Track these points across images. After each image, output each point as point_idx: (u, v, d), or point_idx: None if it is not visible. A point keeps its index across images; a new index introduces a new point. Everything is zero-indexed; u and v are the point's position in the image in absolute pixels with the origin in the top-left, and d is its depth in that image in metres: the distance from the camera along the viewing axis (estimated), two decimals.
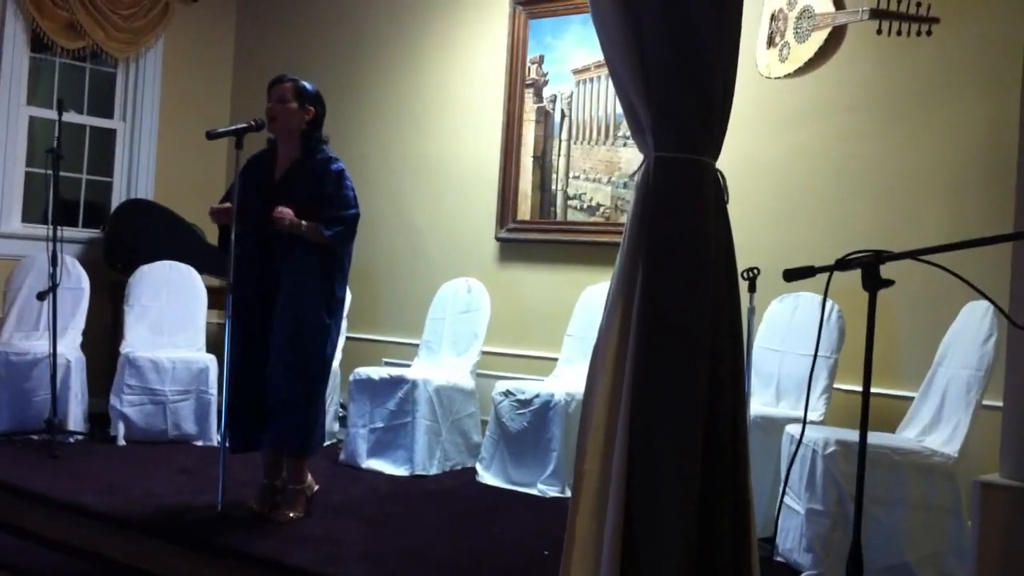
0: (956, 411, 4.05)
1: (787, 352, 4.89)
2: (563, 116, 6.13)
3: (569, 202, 6.08)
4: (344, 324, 5.52)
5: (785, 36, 4.73)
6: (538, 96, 6.23)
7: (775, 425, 4.42)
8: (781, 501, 3.43)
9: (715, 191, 3.00)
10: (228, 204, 4.41)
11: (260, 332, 4.39)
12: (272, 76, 4.53)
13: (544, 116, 6.21)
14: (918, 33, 4.39)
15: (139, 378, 5.99)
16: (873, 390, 2.75)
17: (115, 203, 7.15)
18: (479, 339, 5.99)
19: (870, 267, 2.61)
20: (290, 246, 4.34)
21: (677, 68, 2.92)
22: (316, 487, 4.59)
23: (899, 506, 3.89)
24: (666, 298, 2.90)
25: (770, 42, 4.83)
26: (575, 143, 6.08)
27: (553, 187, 6.15)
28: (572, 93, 6.10)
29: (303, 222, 4.30)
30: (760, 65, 4.87)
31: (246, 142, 4.41)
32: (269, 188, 4.43)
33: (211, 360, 6.15)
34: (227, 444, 4.41)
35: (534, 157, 6.23)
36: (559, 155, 6.14)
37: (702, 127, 2.96)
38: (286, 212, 4.28)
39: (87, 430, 6.02)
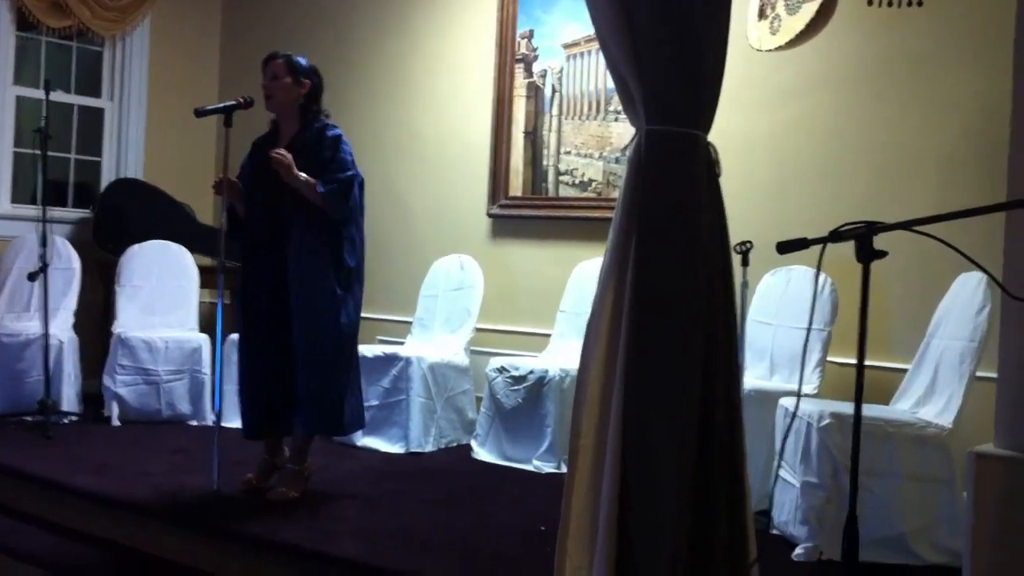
0: (950, 382, 4.05)
1: (780, 325, 4.89)
2: (554, 91, 6.10)
3: (561, 178, 6.06)
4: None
5: (776, 8, 4.71)
6: (528, 71, 6.20)
7: (769, 398, 4.43)
8: (776, 474, 3.44)
9: (707, 164, 2.99)
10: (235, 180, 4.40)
11: (272, 313, 4.38)
12: (261, 53, 4.50)
13: (535, 91, 6.18)
14: (909, 3, 4.37)
15: (132, 358, 5.98)
16: (867, 362, 2.75)
17: (104, 183, 7.12)
18: (472, 316, 5.99)
19: (863, 238, 2.61)
20: (294, 222, 4.32)
21: (668, 41, 2.90)
22: (314, 469, 4.58)
23: (893, 478, 3.90)
24: (659, 272, 2.89)
25: (761, 14, 4.81)
26: (566, 118, 6.05)
27: (544, 163, 6.13)
28: (563, 68, 6.07)
29: (301, 174, 4.25)
30: (751, 38, 4.86)
31: (236, 120, 4.39)
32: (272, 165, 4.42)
33: (204, 339, 6.14)
34: (241, 429, 4.43)
35: (525, 133, 6.20)
36: (550, 130, 6.11)
37: (693, 100, 2.95)
38: (285, 155, 4.22)
39: (81, 411, 6.02)
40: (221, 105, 4.45)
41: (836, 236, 2.65)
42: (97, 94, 7.20)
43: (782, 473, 4.08)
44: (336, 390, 4.39)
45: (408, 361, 5.56)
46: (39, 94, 5.95)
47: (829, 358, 4.69)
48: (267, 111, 4.47)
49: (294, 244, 4.34)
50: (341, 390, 4.42)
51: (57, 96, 6.48)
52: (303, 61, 4.46)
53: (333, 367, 4.37)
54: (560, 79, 6.08)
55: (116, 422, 5.88)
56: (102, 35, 7.02)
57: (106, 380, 5.98)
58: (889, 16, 4.58)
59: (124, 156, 7.21)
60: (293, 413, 4.41)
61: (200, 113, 4.46)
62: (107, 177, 7.17)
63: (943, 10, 4.68)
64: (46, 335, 5.59)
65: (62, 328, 6.03)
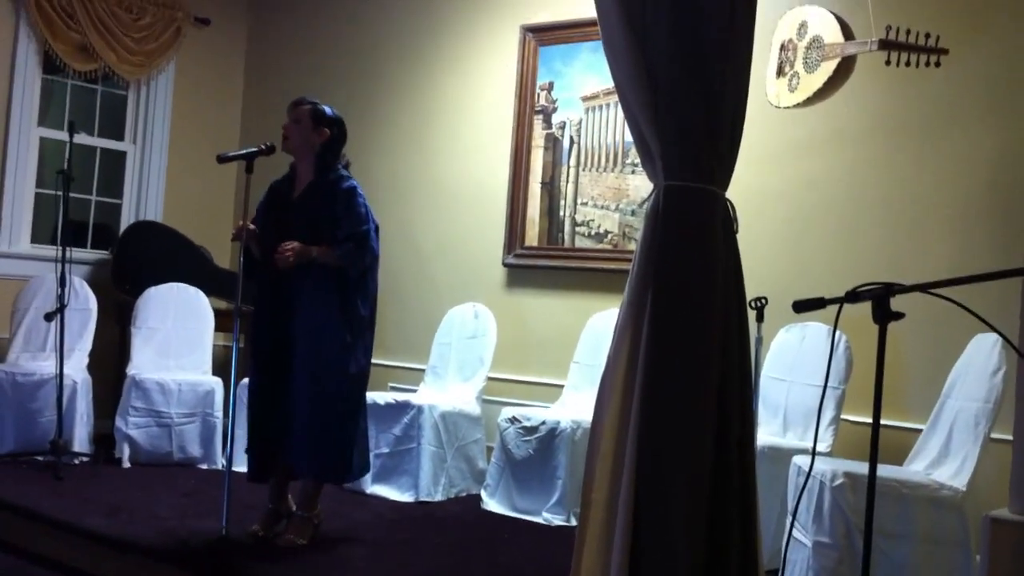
0: (964, 444, 4.03)
1: (794, 382, 4.87)
2: (572, 143, 6.14)
3: (577, 228, 6.08)
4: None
5: (795, 66, 4.74)
6: (547, 122, 6.24)
7: (782, 455, 4.40)
8: (789, 533, 3.41)
9: (724, 220, 3.01)
10: (253, 226, 4.41)
11: (279, 357, 4.38)
12: (284, 99, 4.57)
13: (553, 142, 6.22)
14: (927, 64, 4.40)
15: (145, 400, 5.98)
16: (881, 422, 2.74)
17: (124, 225, 7.17)
18: (485, 365, 5.98)
19: (881, 299, 2.60)
20: (306, 268, 4.33)
21: (687, 97, 2.93)
22: (323, 517, 4.56)
23: (907, 539, 3.86)
24: (675, 327, 2.90)
25: (780, 72, 4.84)
26: (583, 170, 6.09)
27: (561, 213, 6.16)
28: (581, 120, 6.12)
29: (313, 248, 4.30)
30: (770, 94, 4.89)
31: (256, 166, 4.43)
32: (286, 209, 4.46)
33: (217, 383, 6.15)
34: (246, 472, 4.43)
35: (542, 183, 6.24)
36: (567, 181, 6.15)
37: (712, 156, 2.97)
38: (288, 249, 4.26)
39: (92, 452, 6.01)
40: (243, 151, 4.48)
41: (853, 296, 2.65)
42: (120, 137, 7.28)
43: (794, 532, 4.05)
44: (344, 439, 4.38)
45: (420, 409, 5.55)
46: (63, 136, 6.02)
47: (843, 416, 4.67)
48: (283, 151, 4.51)
49: (306, 292, 4.36)
50: (348, 438, 4.40)
51: (80, 138, 6.55)
52: (329, 111, 4.50)
53: (341, 415, 4.37)
54: (578, 131, 6.12)
55: (127, 464, 5.88)
56: (127, 79, 7.12)
57: (118, 422, 5.97)
58: (907, 75, 4.61)
59: (144, 199, 7.27)
60: (295, 456, 4.39)
61: (222, 159, 4.51)
62: (127, 219, 7.22)
63: (961, 70, 4.71)
64: (60, 375, 5.60)
65: (76, 368, 6.04)
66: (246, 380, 5.21)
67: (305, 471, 4.41)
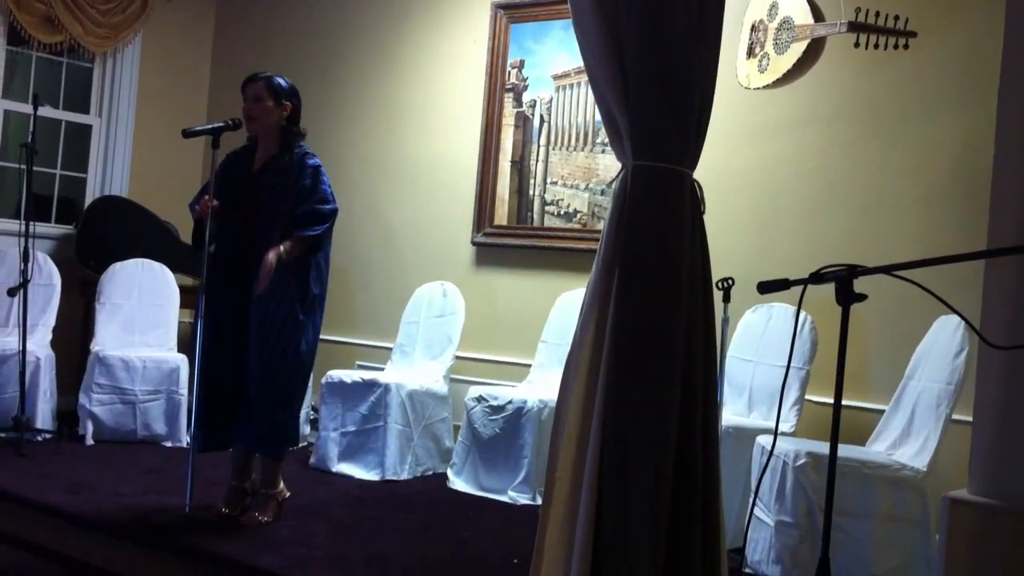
0: (926, 425, 4.07)
1: (760, 363, 4.90)
2: (542, 121, 6.13)
3: (546, 208, 6.08)
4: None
5: (765, 47, 4.74)
6: (517, 101, 6.22)
7: (746, 435, 4.43)
8: (751, 512, 3.43)
9: (692, 201, 3.01)
10: (215, 201, 4.34)
11: (233, 330, 4.35)
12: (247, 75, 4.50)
13: (523, 121, 6.20)
14: (895, 47, 4.42)
15: (109, 377, 5.93)
16: (844, 402, 2.75)
17: (89, 199, 7.09)
18: (453, 344, 5.97)
19: (844, 281, 2.62)
20: (264, 246, 4.29)
21: (657, 77, 2.93)
22: (288, 494, 4.54)
23: (868, 519, 3.90)
24: (641, 306, 2.90)
25: (750, 52, 4.85)
26: (553, 149, 6.08)
27: (531, 192, 6.14)
28: (552, 98, 6.10)
29: (282, 248, 4.20)
30: (739, 75, 4.89)
31: (222, 141, 4.38)
32: (247, 182, 4.40)
33: (182, 360, 6.10)
34: (196, 444, 4.39)
35: (512, 162, 6.22)
36: (537, 160, 6.14)
37: (680, 137, 2.97)
38: (269, 261, 4.16)
39: (55, 428, 5.95)
40: (210, 126, 4.42)
41: (817, 278, 2.67)
42: (85, 110, 7.19)
43: (757, 511, 4.08)
44: (285, 415, 4.36)
45: (387, 388, 5.53)
46: (27, 109, 5.93)
47: (807, 397, 4.70)
48: (250, 133, 4.47)
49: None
50: (290, 416, 4.40)
51: (45, 111, 6.46)
52: (284, 82, 4.45)
53: (287, 393, 4.35)
54: (549, 110, 6.11)
55: (90, 441, 5.83)
56: (93, 51, 7.02)
57: (82, 398, 5.92)
58: (875, 58, 4.63)
59: (110, 173, 7.20)
60: (243, 430, 4.36)
61: (188, 134, 4.45)
62: (92, 194, 7.14)
63: (929, 54, 4.73)
64: (23, 351, 5.54)
65: (40, 344, 5.98)
66: None
67: (242, 442, 4.41)
